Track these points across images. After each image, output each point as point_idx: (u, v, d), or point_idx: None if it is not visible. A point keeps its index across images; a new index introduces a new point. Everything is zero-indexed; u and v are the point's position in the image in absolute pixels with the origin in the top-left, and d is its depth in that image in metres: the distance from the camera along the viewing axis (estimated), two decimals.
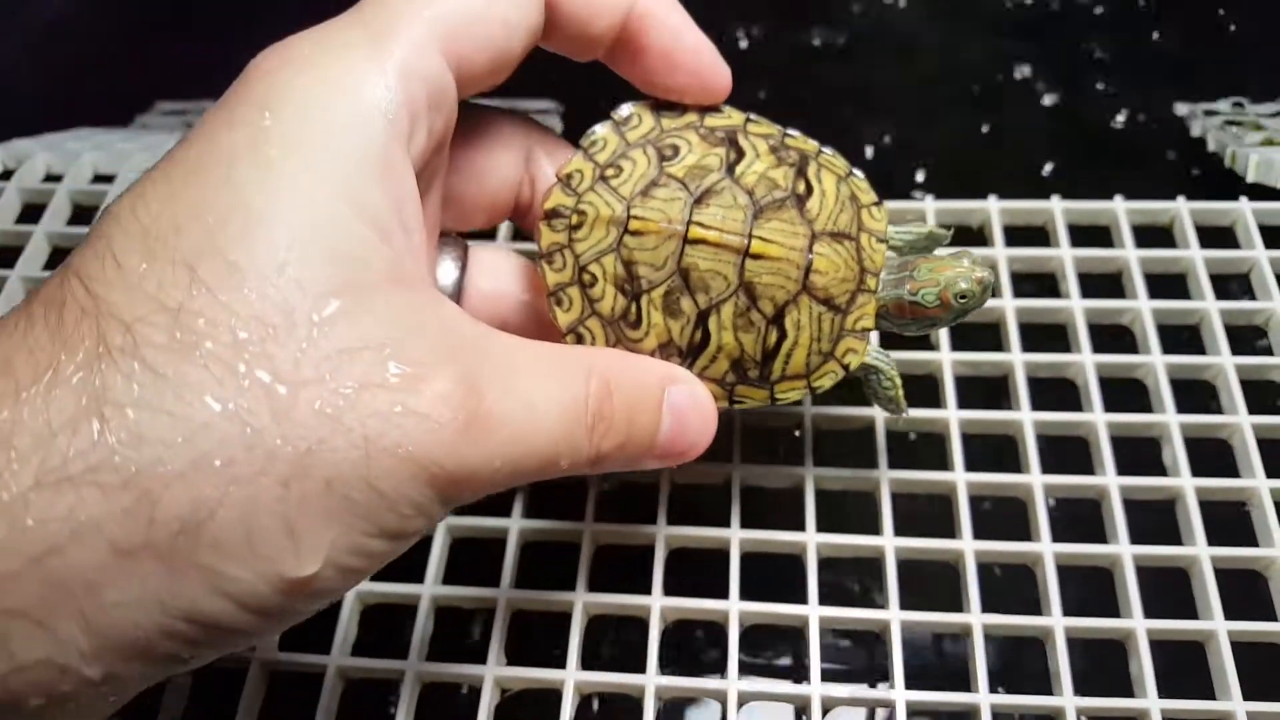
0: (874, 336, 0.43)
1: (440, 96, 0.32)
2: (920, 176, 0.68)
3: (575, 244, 0.38)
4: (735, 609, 0.45)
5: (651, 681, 0.43)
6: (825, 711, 0.43)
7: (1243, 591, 0.45)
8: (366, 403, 0.27)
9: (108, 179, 0.63)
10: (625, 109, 0.40)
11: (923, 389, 0.51)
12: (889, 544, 0.46)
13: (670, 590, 0.45)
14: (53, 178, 0.64)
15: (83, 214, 0.62)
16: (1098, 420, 0.50)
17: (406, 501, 0.28)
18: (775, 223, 0.37)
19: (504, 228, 0.57)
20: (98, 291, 0.26)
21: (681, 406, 0.36)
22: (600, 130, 0.40)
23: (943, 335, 0.52)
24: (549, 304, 0.38)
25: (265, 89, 0.29)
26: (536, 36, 0.35)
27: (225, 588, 0.26)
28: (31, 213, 0.62)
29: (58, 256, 0.59)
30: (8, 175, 0.64)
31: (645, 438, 0.35)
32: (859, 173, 0.40)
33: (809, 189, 0.38)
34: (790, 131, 0.41)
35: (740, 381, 0.39)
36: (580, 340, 0.38)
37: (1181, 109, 0.70)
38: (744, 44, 0.81)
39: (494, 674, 0.44)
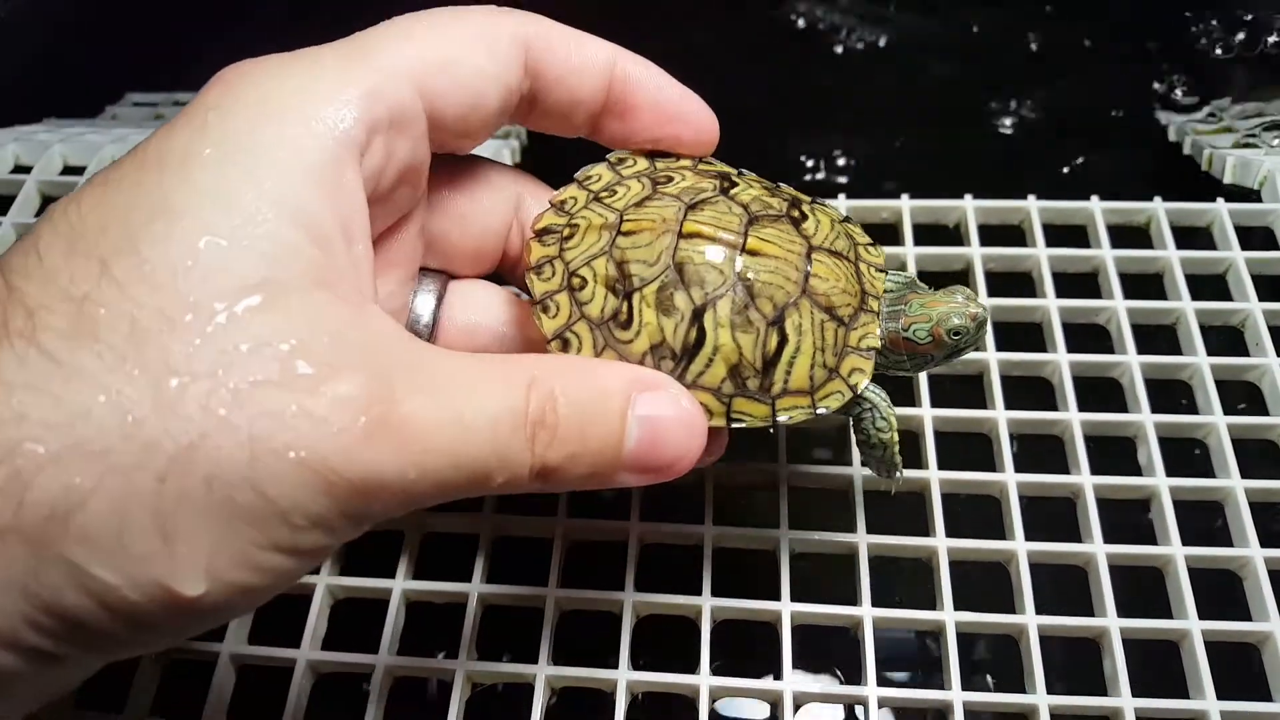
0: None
1: (405, 122, 0.32)
2: (897, 175, 0.68)
3: (566, 253, 0.37)
4: (708, 605, 0.44)
5: (623, 677, 0.43)
6: (797, 707, 0.43)
7: (1217, 591, 0.46)
8: (258, 400, 0.26)
9: (77, 170, 0.63)
10: (620, 152, 0.40)
11: (897, 387, 0.51)
12: (862, 541, 0.46)
13: (642, 586, 0.45)
14: (22, 169, 0.64)
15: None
16: (1073, 419, 0.50)
17: (299, 511, 0.27)
18: (772, 230, 0.36)
19: None
20: (14, 282, 0.27)
21: (656, 415, 0.33)
22: (595, 168, 0.40)
23: None
24: (535, 314, 0.37)
25: (219, 93, 0.30)
26: (514, 98, 0.36)
27: (90, 585, 0.25)
28: (0, 204, 0.61)
29: None
30: None
31: (606, 449, 0.32)
32: (854, 221, 0.40)
33: (803, 216, 0.38)
34: (783, 185, 0.40)
35: (739, 393, 0.36)
36: (566, 345, 0.37)
37: (1159, 114, 0.70)
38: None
39: (465, 668, 0.43)
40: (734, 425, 0.37)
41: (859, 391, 0.38)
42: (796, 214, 0.38)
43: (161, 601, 0.26)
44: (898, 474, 0.42)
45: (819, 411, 0.37)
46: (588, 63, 0.36)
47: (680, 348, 0.36)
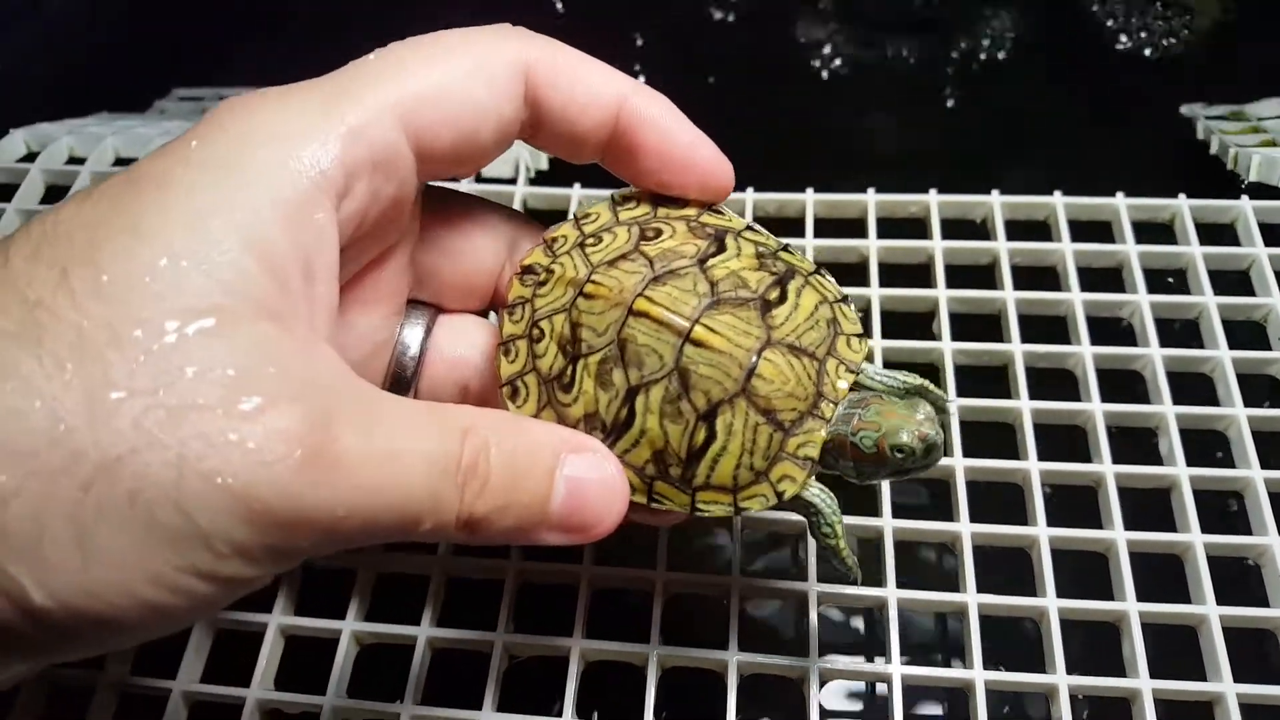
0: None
1: (390, 164, 0.33)
2: (925, 171, 0.69)
3: (536, 299, 0.37)
4: (736, 584, 0.46)
5: (654, 651, 0.44)
6: (823, 684, 0.44)
7: (1235, 579, 0.47)
8: (193, 423, 0.26)
9: (129, 161, 0.65)
10: (628, 191, 0.40)
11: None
12: (887, 525, 0.48)
13: (673, 566, 0.47)
14: (76, 160, 0.66)
15: None
16: (1095, 410, 0.51)
17: (220, 537, 0.26)
18: (729, 317, 0.35)
19: None
20: None
21: (581, 477, 0.33)
22: (597, 206, 0.40)
23: (943, 322, 0.54)
24: (497, 354, 0.38)
25: (208, 124, 0.30)
26: (512, 128, 0.36)
27: (5, 585, 0.25)
28: (55, 194, 0.63)
29: None
30: (32, 158, 0.66)
31: (533, 504, 0.32)
32: (851, 305, 0.38)
33: (782, 298, 0.36)
34: (791, 247, 0.39)
35: (660, 477, 0.36)
36: (515, 394, 0.37)
37: (1185, 111, 0.71)
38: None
39: (503, 640, 0.45)
40: (654, 505, 0.36)
41: (784, 500, 0.36)
42: (775, 295, 0.36)
43: (74, 611, 0.26)
44: (852, 576, 0.39)
45: (742, 510, 0.36)
46: (593, 98, 0.36)
47: (611, 422, 0.36)
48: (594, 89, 0.36)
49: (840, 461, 0.36)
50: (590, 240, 0.38)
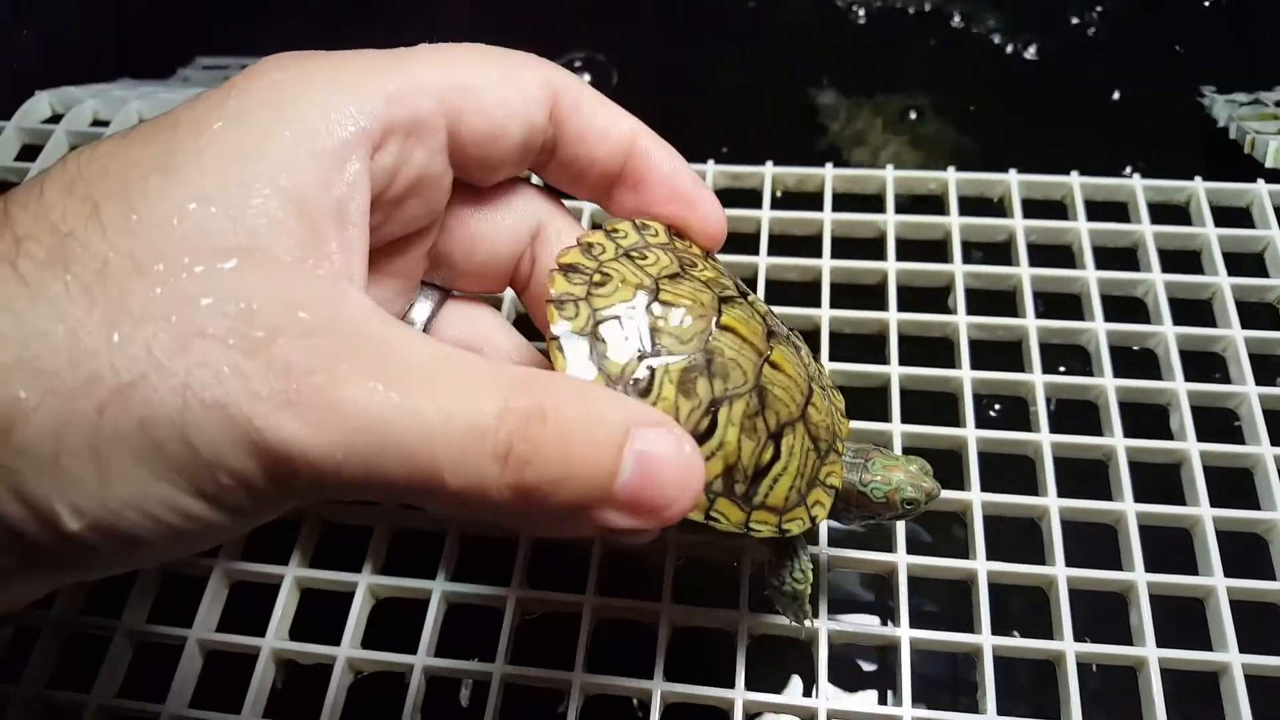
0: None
1: (424, 131, 0.33)
2: (944, 150, 0.69)
3: (594, 298, 0.35)
4: (750, 547, 0.46)
5: (666, 610, 0.45)
6: (833, 645, 0.44)
7: (1243, 553, 0.47)
8: (198, 351, 0.26)
9: None
10: (645, 220, 0.39)
11: (937, 350, 0.53)
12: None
13: (685, 527, 0.47)
14: (100, 123, 0.66)
15: None
16: (1107, 385, 0.51)
17: (224, 469, 0.27)
18: (785, 349, 0.37)
19: None
20: (12, 211, 0.28)
21: (654, 453, 0.30)
22: (621, 223, 0.39)
23: (959, 296, 0.54)
24: (551, 349, 0.35)
25: (248, 75, 0.31)
26: (537, 137, 0.36)
27: (26, 496, 0.26)
28: None
29: None
30: (56, 119, 0.66)
31: (596, 479, 0.29)
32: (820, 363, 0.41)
33: (797, 347, 0.39)
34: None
35: (725, 494, 0.35)
36: None
37: (1204, 96, 0.71)
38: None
39: (516, 596, 0.46)
40: (710, 522, 0.35)
41: (817, 523, 0.38)
42: (795, 343, 0.39)
43: (99, 526, 0.27)
44: (806, 621, 0.42)
45: (785, 531, 0.37)
46: (610, 128, 0.37)
47: (691, 431, 0.34)
48: (612, 121, 0.38)
49: (842, 505, 0.40)
50: (635, 253, 0.37)
